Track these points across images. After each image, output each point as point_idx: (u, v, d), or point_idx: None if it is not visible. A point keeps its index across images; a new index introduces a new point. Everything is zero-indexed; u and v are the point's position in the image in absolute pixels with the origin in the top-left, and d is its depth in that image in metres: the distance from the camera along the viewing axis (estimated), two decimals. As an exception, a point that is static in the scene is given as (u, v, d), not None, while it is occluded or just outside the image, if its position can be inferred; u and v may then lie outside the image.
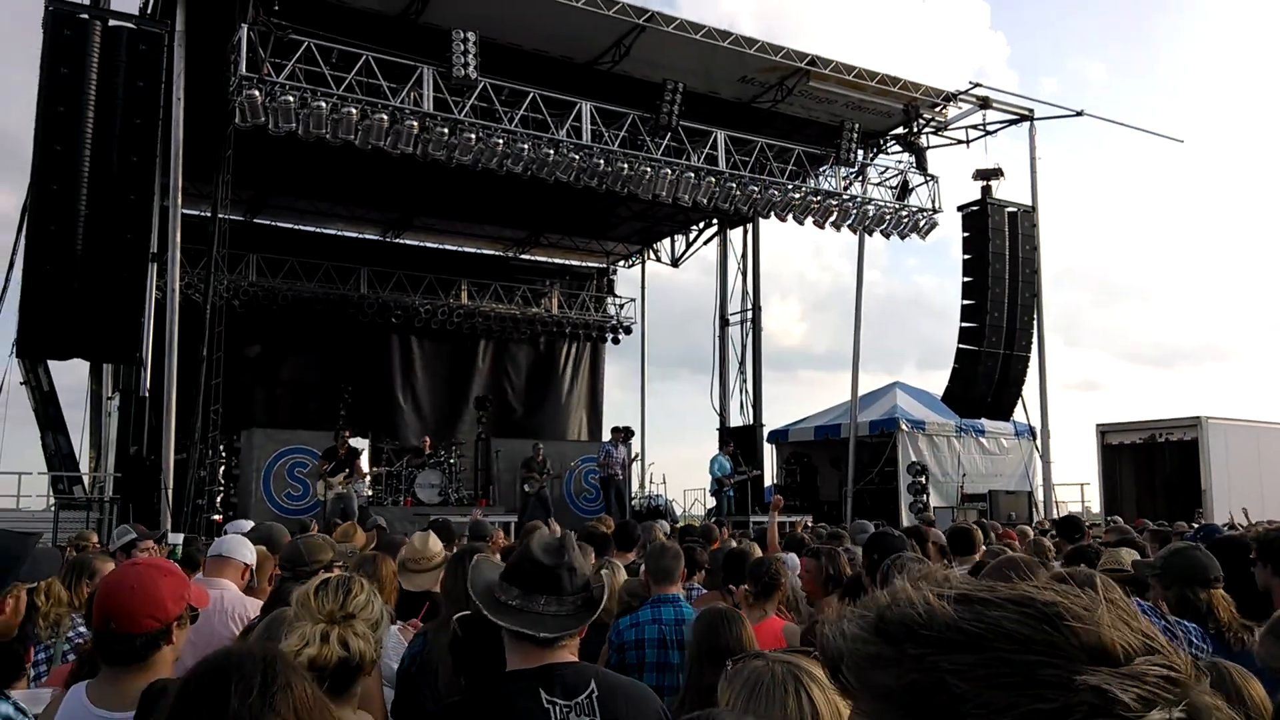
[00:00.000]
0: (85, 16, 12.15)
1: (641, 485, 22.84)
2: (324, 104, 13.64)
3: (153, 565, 2.58)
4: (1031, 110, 19.97)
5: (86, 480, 16.22)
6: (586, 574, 2.48)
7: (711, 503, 20.36)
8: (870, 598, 0.74)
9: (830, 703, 1.96)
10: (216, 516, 15.46)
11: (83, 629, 4.27)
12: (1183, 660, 0.67)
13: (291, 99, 13.44)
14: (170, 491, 13.21)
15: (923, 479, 21.05)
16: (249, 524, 7.24)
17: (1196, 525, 11.83)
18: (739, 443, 21.09)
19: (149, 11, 14.35)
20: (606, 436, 20.59)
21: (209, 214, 15.74)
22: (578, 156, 15.69)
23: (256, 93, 13.21)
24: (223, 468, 17.34)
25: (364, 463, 17.31)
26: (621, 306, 26.93)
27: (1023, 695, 0.62)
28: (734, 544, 7.99)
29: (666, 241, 26.31)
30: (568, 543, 2.50)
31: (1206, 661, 2.31)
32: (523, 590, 2.37)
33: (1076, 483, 24.21)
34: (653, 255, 26.90)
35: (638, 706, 2.37)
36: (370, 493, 17.51)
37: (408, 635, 3.98)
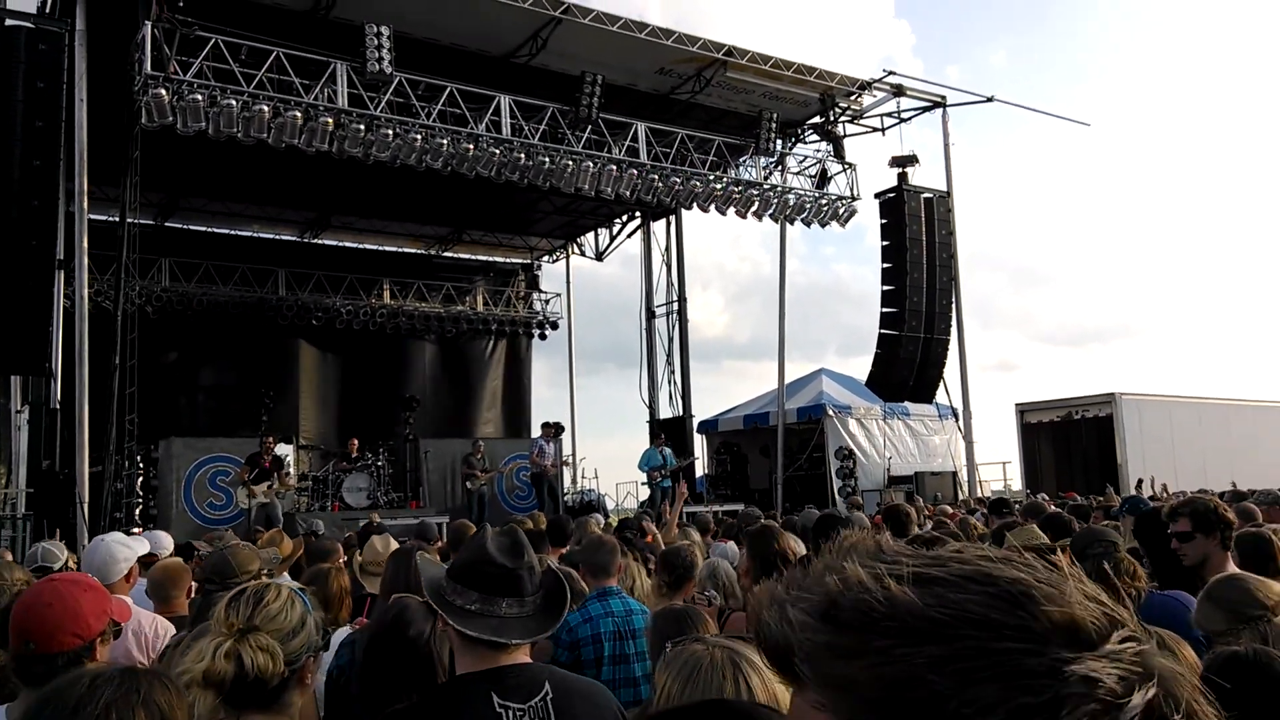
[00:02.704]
0: (-21, 16, 11.68)
1: (574, 481, 22.78)
2: (234, 102, 13.30)
3: (72, 580, 2.47)
4: (944, 97, 20.34)
5: (-3, 497, 15.63)
6: (541, 573, 2.41)
7: (645, 494, 20.37)
8: (811, 577, 0.69)
9: (769, 690, 1.93)
10: (136, 529, 15.00)
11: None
12: (1137, 626, 0.64)
13: (200, 97, 13.09)
14: (86, 505, 12.78)
15: (851, 463, 21.35)
16: (167, 538, 7.01)
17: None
18: (669, 434, 21.14)
19: (47, 10, 13.83)
20: (536, 433, 20.47)
21: (117, 219, 15.25)
22: (498, 151, 15.55)
23: (163, 91, 12.84)
24: (141, 479, 16.83)
25: (290, 469, 16.97)
26: (547, 302, 26.81)
27: (1010, 689, 0.58)
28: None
29: (590, 235, 26.24)
30: (522, 541, 2.42)
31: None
32: (482, 594, 2.28)
33: (998, 461, 24.87)
34: (577, 249, 26.82)
35: (594, 707, 2.31)
36: (299, 499, 17.19)
37: None
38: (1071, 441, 24.48)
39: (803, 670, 0.66)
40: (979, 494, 19.79)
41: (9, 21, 11.90)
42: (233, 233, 22.86)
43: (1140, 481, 19.89)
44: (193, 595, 4.48)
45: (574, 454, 20.92)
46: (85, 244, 13.33)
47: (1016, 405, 25.30)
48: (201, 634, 2.61)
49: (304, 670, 2.26)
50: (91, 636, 2.33)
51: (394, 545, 4.85)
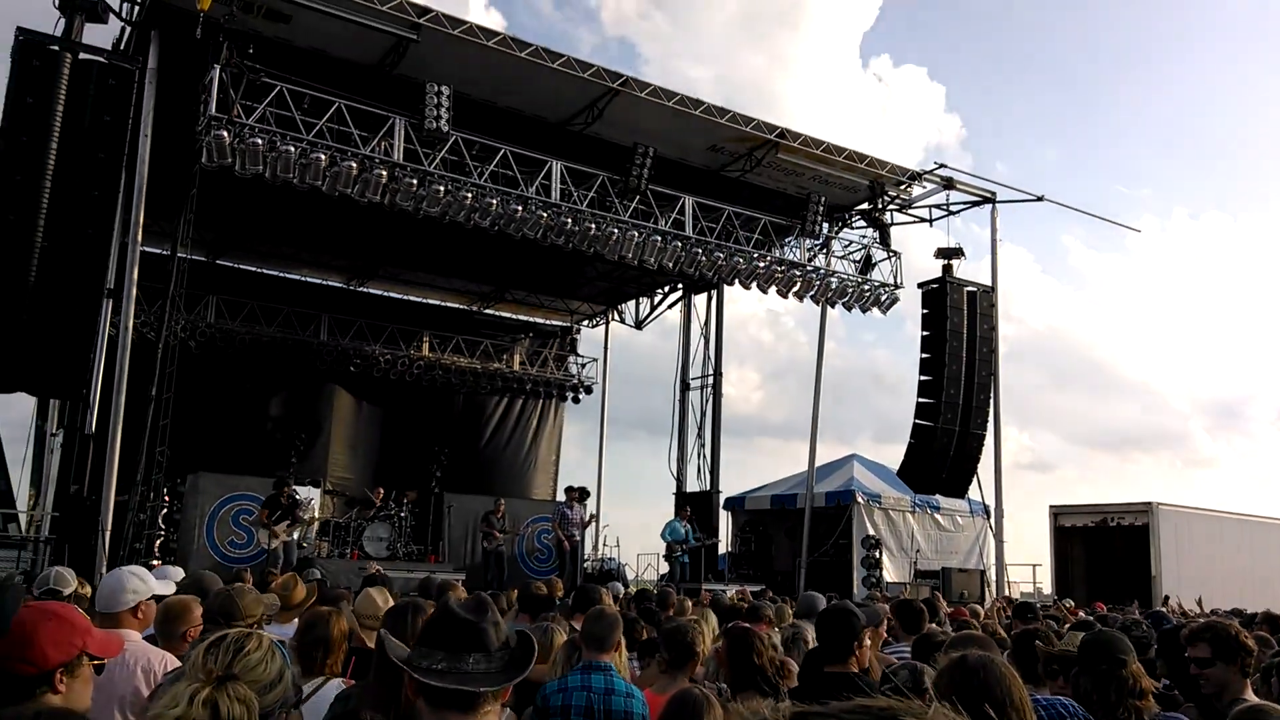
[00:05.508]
0: (55, 48, 12.03)
1: (595, 548, 22.59)
2: (293, 148, 13.60)
3: (41, 609, 2.43)
4: (994, 193, 20.32)
5: (23, 519, 15.76)
6: (508, 632, 2.40)
7: (665, 568, 20.15)
8: None
9: None
10: (155, 562, 15.02)
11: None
12: None
13: (260, 141, 13.39)
14: (108, 534, 12.84)
15: (877, 553, 20.98)
16: (179, 571, 6.97)
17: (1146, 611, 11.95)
18: (695, 508, 20.95)
19: (122, 47, 14.28)
20: (561, 496, 20.39)
21: (169, 252, 15.55)
22: (546, 214, 15.72)
23: (225, 134, 13.16)
24: (165, 511, 16.90)
25: (314, 509, 16.95)
26: (583, 366, 26.89)
27: None
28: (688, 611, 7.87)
29: (631, 303, 26.38)
30: (486, 601, 2.44)
31: None
32: (448, 651, 2.27)
33: (1029, 563, 24.28)
34: (616, 316, 26.94)
35: None
36: (319, 543, 17.16)
37: None
38: (1106, 549, 23.90)
39: None
40: (1007, 594, 19.33)
41: (83, 56, 12.26)
42: (280, 275, 23.23)
43: (1166, 598, 19.37)
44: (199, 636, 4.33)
45: (598, 520, 20.73)
46: (135, 275, 13.59)
47: (1051, 507, 24.79)
48: (177, 678, 2.57)
49: None
50: (48, 667, 2.28)
51: (387, 598, 4.75)
